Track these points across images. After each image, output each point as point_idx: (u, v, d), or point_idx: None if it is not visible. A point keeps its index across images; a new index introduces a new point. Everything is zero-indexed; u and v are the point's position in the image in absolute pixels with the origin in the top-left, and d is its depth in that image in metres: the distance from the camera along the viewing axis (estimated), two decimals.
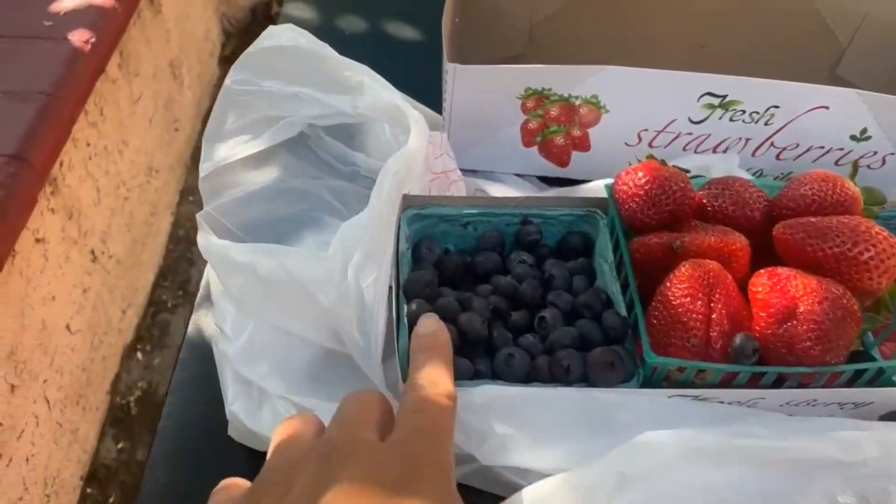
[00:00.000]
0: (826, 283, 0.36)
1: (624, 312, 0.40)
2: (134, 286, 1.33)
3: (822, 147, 0.52)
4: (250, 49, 0.51)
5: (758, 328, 0.36)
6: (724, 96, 0.50)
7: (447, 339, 0.34)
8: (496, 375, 0.38)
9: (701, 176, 0.44)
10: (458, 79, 0.49)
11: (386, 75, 0.53)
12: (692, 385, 0.37)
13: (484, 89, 0.50)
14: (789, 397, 0.39)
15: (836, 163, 0.53)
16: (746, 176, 0.52)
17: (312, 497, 0.25)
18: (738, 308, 0.37)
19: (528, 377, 0.38)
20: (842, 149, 0.52)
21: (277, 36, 0.51)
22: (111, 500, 1.14)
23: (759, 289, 0.36)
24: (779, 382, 0.38)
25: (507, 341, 0.39)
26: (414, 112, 0.47)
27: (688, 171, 0.42)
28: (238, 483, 0.28)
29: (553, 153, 0.55)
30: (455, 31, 0.60)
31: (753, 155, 0.53)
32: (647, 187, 0.40)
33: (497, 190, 0.51)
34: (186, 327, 0.46)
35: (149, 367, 1.29)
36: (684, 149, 0.53)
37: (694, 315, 0.36)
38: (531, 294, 0.41)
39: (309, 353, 0.41)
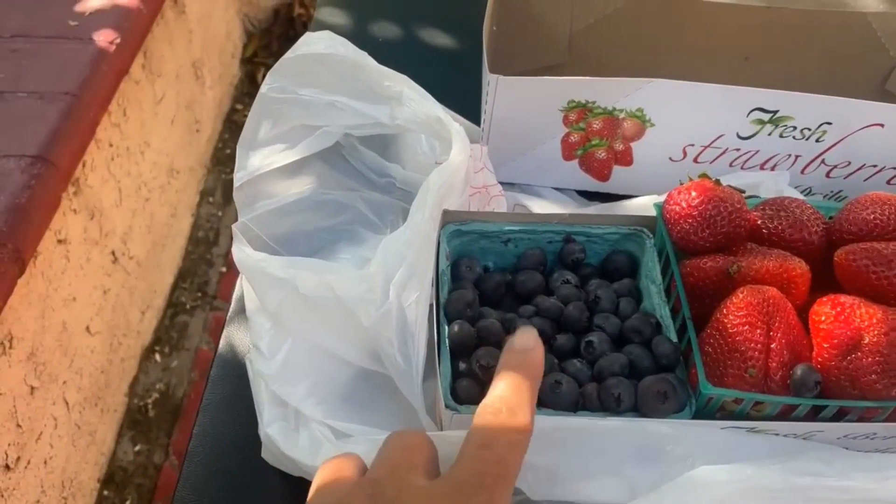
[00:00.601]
0: (892, 313, 0.34)
1: (675, 338, 0.38)
2: (153, 288, 1.33)
3: (875, 166, 0.50)
4: (287, 55, 0.50)
5: (820, 359, 0.35)
6: (776, 112, 0.48)
7: (541, 360, 0.30)
8: (542, 403, 0.37)
9: (754, 196, 0.42)
10: (500, 90, 0.48)
11: (419, 83, 0.52)
12: (748, 417, 0.36)
13: (525, 101, 0.49)
14: (847, 431, 0.37)
15: (889, 182, 0.51)
16: (797, 194, 0.50)
17: None
18: (798, 337, 0.35)
19: (575, 405, 0.36)
20: (895, 168, 0.50)
21: (315, 43, 0.50)
22: (127, 502, 1.13)
23: (822, 318, 0.35)
24: (838, 416, 0.36)
25: (552, 367, 0.38)
26: (455, 125, 0.46)
27: (742, 191, 0.41)
28: None
29: (594, 167, 0.53)
30: (492, 40, 0.59)
31: (802, 172, 0.51)
32: (700, 208, 0.39)
33: (537, 204, 0.50)
34: (218, 342, 0.45)
35: (167, 369, 1.29)
36: (731, 165, 0.51)
37: (752, 344, 0.35)
38: (577, 317, 0.40)
39: (347, 375, 0.40)
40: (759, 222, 0.40)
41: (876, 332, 0.34)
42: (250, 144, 0.48)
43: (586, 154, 0.52)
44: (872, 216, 0.38)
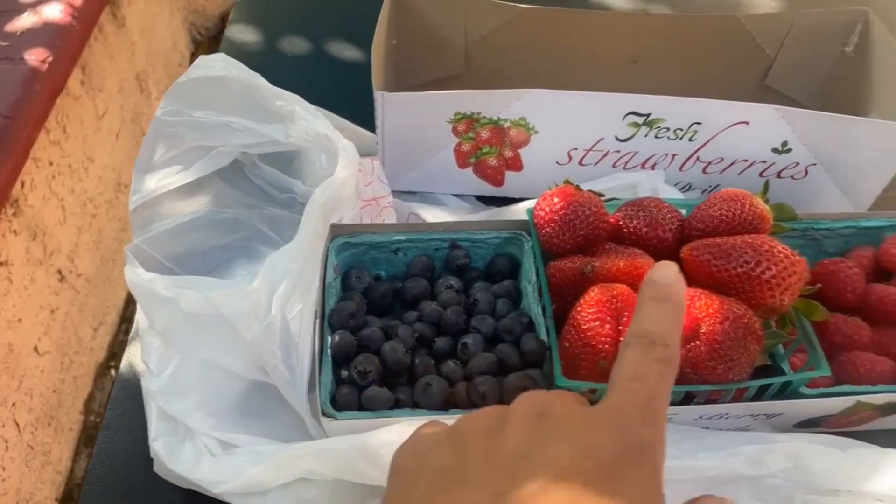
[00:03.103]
0: (728, 303, 0.37)
1: (545, 335, 0.41)
2: (105, 304, 1.33)
3: (746, 160, 0.53)
4: (181, 79, 0.52)
5: None
6: (648, 115, 0.51)
7: (682, 294, 0.28)
8: (415, 404, 0.39)
9: (616, 199, 0.45)
10: (388, 106, 0.50)
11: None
12: None
13: (414, 114, 0.51)
14: (701, 412, 0.40)
15: (761, 174, 0.54)
16: (673, 191, 0.53)
17: (527, 457, 0.24)
18: None
19: (446, 404, 0.39)
20: (765, 161, 0.53)
21: (208, 66, 0.52)
22: None
23: None
24: (689, 399, 0.39)
25: (428, 369, 0.40)
26: (343, 141, 0.48)
27: (602, 195, 0.43)
28: (433, 428, 0.27)
29: (487, 173, 0.56)
30: (392, 53, 0.61)
31: (681, 170, 0.54)
32: (561, 213, 0.42)
33: (432, 212, 0.52)
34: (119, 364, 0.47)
35: None
36: (614, 165, 0.54)
37: (602, 338, 0.37)
38: (454, 320, 0.42)
39: (238, 387, 0.42)
40: (620, 223, 0.43)
41: (712, 322, 0.37)
42: (146, 167, 0.50)
43: (479, 161, 0.55)
44: (719, 213, 0.41)
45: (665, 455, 0.25)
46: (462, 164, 0.55)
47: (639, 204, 0.44)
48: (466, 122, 0.52)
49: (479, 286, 0.45)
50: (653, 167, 0.54)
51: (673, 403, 0.39)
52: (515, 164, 0.55)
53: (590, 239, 0.42)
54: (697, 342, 0.37)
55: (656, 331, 0.27)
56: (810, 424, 0.43)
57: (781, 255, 0.38)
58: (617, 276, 0.39)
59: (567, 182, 0.43)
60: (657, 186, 0.52)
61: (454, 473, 0.25)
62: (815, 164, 0.53)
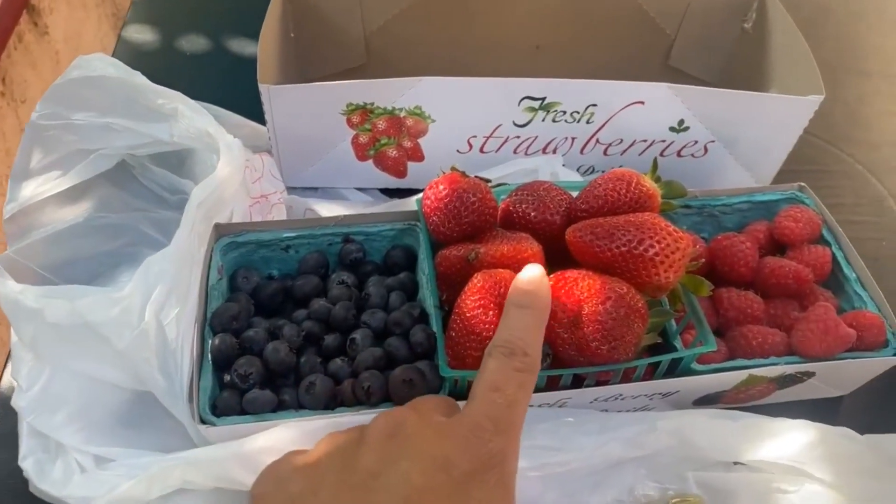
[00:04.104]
0: (610, 282, 0.37)
1: (437, 327, 0.40)
2: None
3: (646, 140, 0.53)
4: (58, 80, 0.49)
5: (548, 333, 0.37)
6: (543, 98, 0.50)
7: (548, 295, 0.31)
8: (300, 405, 0.38)
9: (504, 184, 0.44)
10: (275, 99, 0.49)
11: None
12: None
13: (304, 107, 0.50)
14: (595, 395, 0.39)
15: (662, 153, 0.54)
16: (573, 174, 0.53)
17: (379, 477, 0.25)
18: None
19: (332, 403, 0.38)
20: (664, 140, 0.53)
21: (86, 66, 0.49)
22: None
23: None
24: (579, 382, 0.38)
25: (314, 368, 0.39)
26: (226, 137, 0.47)
27: (489, 181, 0.42)
28: (297, 453, 0.29)
29: (389, 165, 0.54)
30: (291, 47, 0.59)
31: (582, 152, 0.54)
32: (446, 200, 0.40)
33: (328, 208, 0.51)
34: None
35: None
36: (515, 151, 0.54)
37: (486, 325, 0.36)
38: (343, 315, 0.41)
39: (117, 398, 0.40)
40: (510, 208, 0.42)
41: (594, 302, 0.36)
42: (23, 175, 0.47)
43: (378, 153, 0.54)
44: (604, 192, 0.41)
45: (517, 463, 0.27)
46: (362, 157, 0.54)
47: (529, 188, 0.43)
48: (361, 113, 0.51)
49: (373, 280, 0.44)
50: (554, 151, 0.54)
51: (562, 387, 0.38)
52: (416, 155, 0.54)
53: (476, 226, 0.41)
54: (581, 323, 0.36)
55: (516, 340, 0.29)
56: (709, 401, 0.43)
57: (664, 232, 0.38)
58: (501, 262, 0.39)
59: (454, 169, 0.42)
60: (556, 170, 0.51)
61: (308, 498, 0.26)
62: (713, 142, 0.53)
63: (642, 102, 0.51)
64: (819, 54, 0.53)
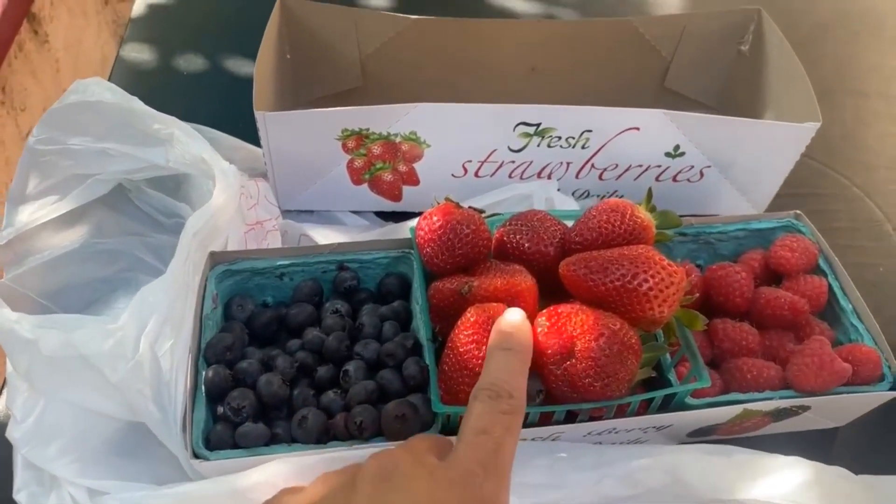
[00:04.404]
0: (604, 318, 0.37)
1: (431, 360, 0.40)
2: None
3: (641, 165, 0.53)
4: (56, 105, 0.49)
5: (542, 368, 0.37)
6: (538, 124, 0.50)
7: (529, 338, 0.32)
8: (293, 439, 0.38)
9: (497, 214, 0.44)
10: (270, 125, 0.49)
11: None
12: None
13: (299, 133, 0.50)
14: (589, 429, 0.39)
15: (657, 178, 0.54)
16: (568, 199, 0.53)
17: None
18: None
19: (325, 437, 0.38)
20: (659, 165, 0.53)
21: (83, 91, 0.49)
22: None
23: (539, 329, 0.37)
24: (572, 418, 0.38)
25: (307, 401, 0.39)
26: (221, 164, 0.47)
27: (482, 212, 0.42)
28: (292, 492, 0.29)
29: (384, 189, 0.54)
30: (288, 68, 0.60)
31: (577, 177, 0.54)
32: (439, 232, 0.40)
33: (323, 233, 0.51)
34: None
35: None
36: (510, 176, 0.54)
37: (479, 361, 0.36)
38: (336, 346, 0.41)
39: (111, 429, 0.40)
40: (504, 238, 0.42)
41: (587, 339, 0.36)
42: (19, 199, 0.48)
43: (374, 177, 0.54)
44: (598, 224, 0.41)
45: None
46: (357, 181, 0.54)
47: (523, 218, 0.43)
48: (356, 139, 0.51)
49: (367, 309, 0.44)
50: (549, 176, 0.54)
51: (555, 423, 0.38)
52: (411, 179, 0.54)
53: (470, 257, 0.41)
54: (573, 360, 0.36)
55: (501, 383, 0.29)
56: (704, 433, 0.43)
57: (658, 266, 0.38)
58: (495, 296, 0.38)
59: (448, 199, 0.42)
60: (551, 196, 0.51)
61: None
62: (709, 167, 0.53)
63: (637, 128, 0.51)
64: (817, 74, 0.53)
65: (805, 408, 0.41)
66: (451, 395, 0.37)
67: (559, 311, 0.37)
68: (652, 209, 0.43)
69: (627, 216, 0.41)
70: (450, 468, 0.27)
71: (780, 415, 0.42)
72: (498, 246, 0.43)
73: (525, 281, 0.39)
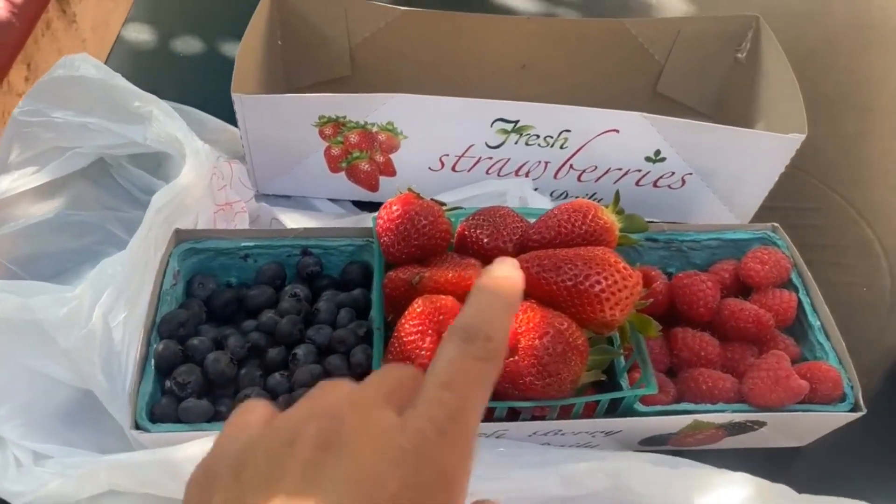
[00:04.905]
0: (552, 317, 0.36)
1: (378, 347, 0.40)
2: None
3: (620, 168, 0.52)
4: (43, 78, 0.50)
5: None
6: (516, 122, 0.50)
7: (520, 286, 0.25)
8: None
9: (459, 208, 0.44)
10: (247, 109, 0.49)
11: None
12: None
13: (277, 118, 0.50)
14: (534, 428, 0.39)
15: (637, 183, 0.53)
16: (543, 199, 0.52)
17: (302, 495, 0.20)
18: None
19: None
20: (639, 170, 0.52)
21: (69, 66, 0.50)
22: None
23: None
24: (515, 415, 0.38)
25: (254, 381, 0.39)
26: (195, 144, 0.47)
27: (444, 204, 0.42)
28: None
29: (361, 178, 0.54)
30: (279, 54, 0.60)
31: (556, 177, 0.53)
32: (397, 221, 0.40)
33: (295, 218, 0.51)
34: None
35: None
36: (488, 172, 0.53)
37: (422, 351, 0.36)
38: (289, 330, 0.41)
39: (61, 396, 0.40)
40: (465, 232, 0.42)
41: (531, 336, 0.35)
42: (1, 168, 0.49)
43: (351, 166, 0.54)
44: (557, 223, 0.40)
45: (466, 487, 0.22)
46: (334, 169, 0.54)
47: (486, 213, 0.43)
48: (333, 126, 0.51)
49: (326, 295, 0.44)
50: (527, 174, 0.53)
51: (497, 419, 0.38)
52: (388, 170, 0.54)
53: (426, 249, 0.40)
54: (516, 357, 0.36)
55: (480, 323, 0.23)
56: (656, 442, 0.42)
57: (613, 268, 0.37)
58: (445, 288, 0.38)
59: (410, 190, 0.42)
60: (525, 194, 0.51)
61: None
62: (691, 174, 0.52)
63: (617, 130, 0.50)
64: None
65: (761, 423, 0.40)
66: None
67: None
68: (620, 212, 0.42)
69: (590, 217, 0.41)
70: (402, 432, 0.22)
71: (734, 429, 0.41)
72: (459, 240, 0.43)
73: (477, 274, 0.39)
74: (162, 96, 0.51)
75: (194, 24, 0.70)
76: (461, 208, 0.44)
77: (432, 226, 0.40)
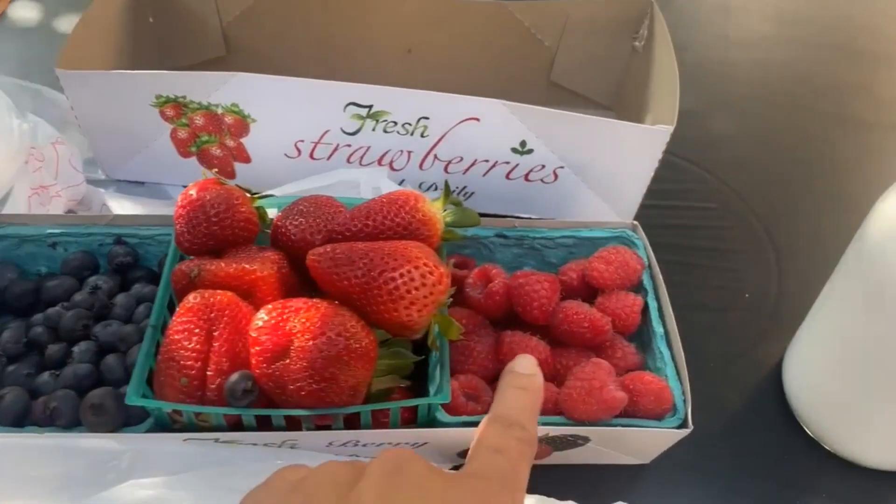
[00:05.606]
0: (335, 317, 0.32)
1: (147, 347, 0.36)
2: None
3: (487, 160, 0.48)
4: None
5: (253, 368, 0.33)
6: (370, 107, 0.46)
7: (541, 386, 0.30)
8: None
9: (270, 195, 0.40)
10: (72, 86, 0.46)
11: None
12: (199, 429, 0.34)
13: (109, 96, 0.47)
14: (330, 438, 0.35)
15: (507, 176, 0.49)
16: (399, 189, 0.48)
17: None
18: (247, 345, 0.33)
19: (24, 420, 0.34)
20: (508, 162, 0.48)
21: None
22: None
23: (257, 324, 0.33)
24: (296, 425, 0.34)
25: (17, 380, 0.36)
26: (10, 122, 0.44)
27: (250, 192, 0.38)
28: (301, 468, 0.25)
29: (214, 164, 0.51)
30: (149, 32, 0.57)
31: (421, 168, 0.50)
32: (189, 208, 0.37)
33: (122, 205, 0.47)
34: None
35: None
36: (349, 160, 0.50)
37: (187, 353, 0.33)
38: (72, 325, 0.38)
39: None
40: (277, 224, 0.38)
41: (305, 338, 0.32)
42: None
43: (201, 151, 0.50)
44: (367, 213, 0.36)
45: None
46: (184, 153, 0.50)
47: (303, 203, 0.39)
48: (174, 107, 0.47)
49: (135, 288, 0.41)
50: (390, 164, 0.49)
51: (277, 428, 0.34)
52: (241, 155, 0.50)
53: (220, 239, 0.37)
54: (287, 360, 0.32)
55: (514, 413, 0.28)
56: None
57: (412, 264, 0.33)
58: (225, 282, 0.34)
59: (215, 174, 0.39)
60: (380, 185, 0.47)
61: None
62: (563, 167, 0.48)
63: (477, 119, 0.46)
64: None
65: (584, 438, 0.36)
66: (159, 387, 0.33)
67: (288, 305, 0.33)
68: (457, 203, 0.38)
69: (407, 208, 0.37)
70: (467, 477, 0.25)
71: (558, 444, 0.37)
72: (273, 231, 0.39)
73: (264, 269, 0.35)
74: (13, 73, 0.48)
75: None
76: (272, 195, 0.40)
77: (226, 214, 0.37)
